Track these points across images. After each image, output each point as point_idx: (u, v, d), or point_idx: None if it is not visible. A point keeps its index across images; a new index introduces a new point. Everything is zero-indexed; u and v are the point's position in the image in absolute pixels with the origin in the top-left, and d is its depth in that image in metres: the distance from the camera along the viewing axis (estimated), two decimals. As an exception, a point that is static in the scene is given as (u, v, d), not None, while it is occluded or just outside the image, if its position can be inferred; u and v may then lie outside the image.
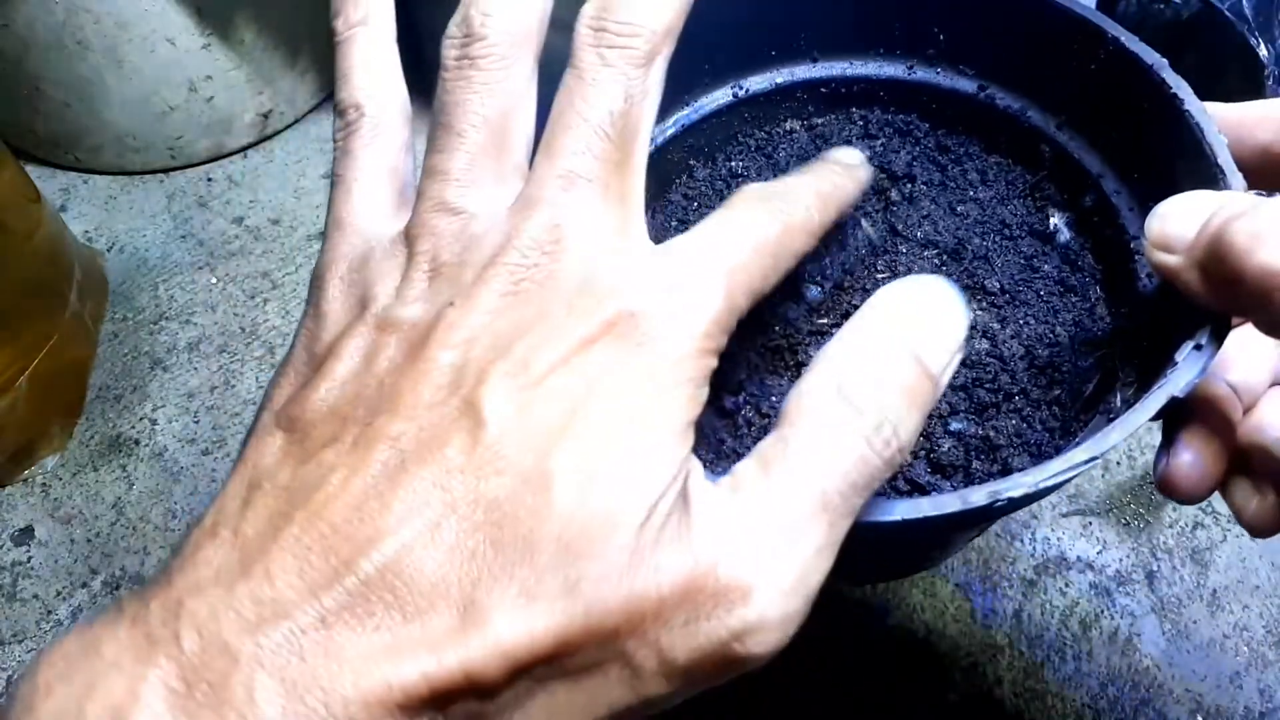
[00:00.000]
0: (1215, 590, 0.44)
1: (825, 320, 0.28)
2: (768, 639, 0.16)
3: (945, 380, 0.18)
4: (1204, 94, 0.56)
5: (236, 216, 0.58)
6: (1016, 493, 0.19)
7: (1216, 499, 0.48)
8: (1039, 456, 0.26)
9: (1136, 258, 0.27)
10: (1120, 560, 0.45)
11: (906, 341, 0.18)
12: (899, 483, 0.26)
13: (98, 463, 0.47)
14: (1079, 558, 0.45)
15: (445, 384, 0.17)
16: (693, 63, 0.29)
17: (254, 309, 0.54)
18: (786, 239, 0.20)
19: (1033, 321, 0.28)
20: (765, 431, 0.19)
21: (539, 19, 0.20)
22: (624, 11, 0.19)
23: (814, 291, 0.29)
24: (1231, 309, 0.20)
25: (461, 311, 0.18)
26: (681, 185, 0.31)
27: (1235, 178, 0.23)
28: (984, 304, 0.29)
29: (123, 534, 0.45)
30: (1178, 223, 0.20)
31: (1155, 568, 0.45)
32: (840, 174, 0.23)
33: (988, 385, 0.27)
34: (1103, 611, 0.44)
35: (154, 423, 0.49)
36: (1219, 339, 0.21)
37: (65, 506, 0.46)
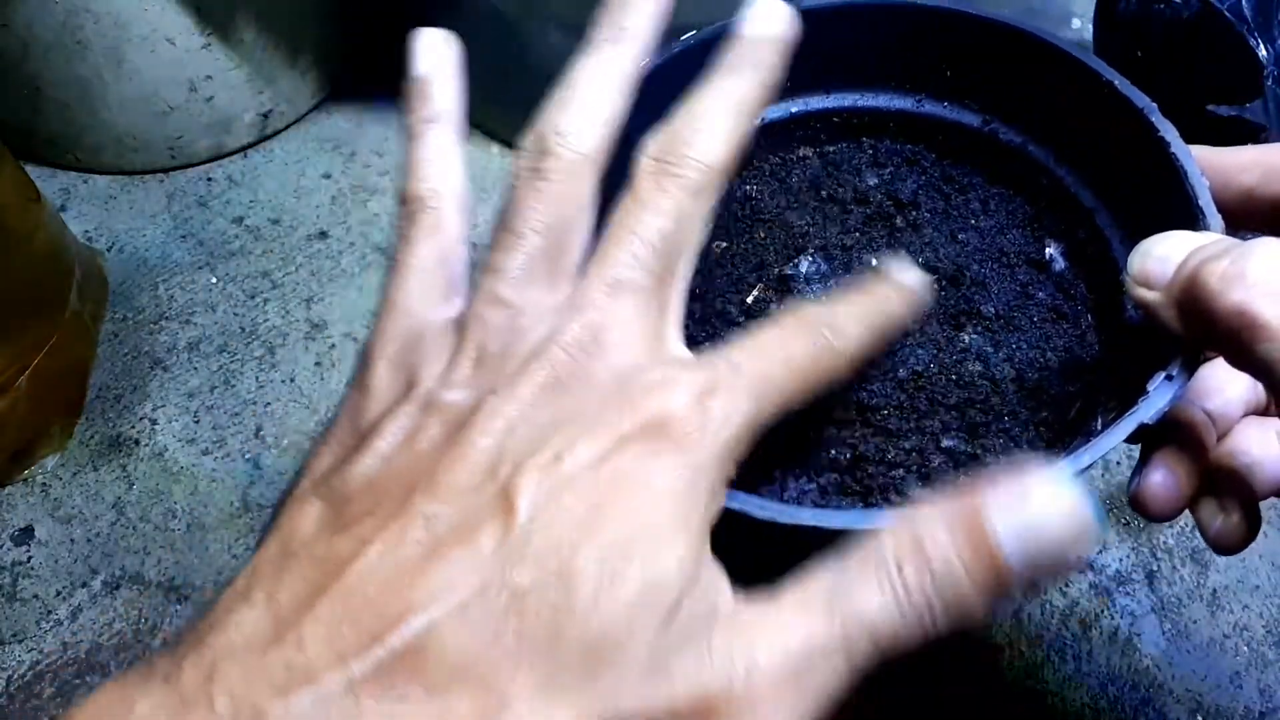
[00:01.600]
0: (1215, 590, 0.44)
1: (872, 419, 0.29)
2: None
3: (1021, 578, 0.18)
4: (1204, 94, 0.56)
5: (236, 216, 0.58)
6: None
7: (1216, 499, 0.47)
8: None
9: (1124, 287, 0.28)
10: (1120, 560, 0.45)
11: (996, 529, 0.18)
12: (892, 496, 0.27)
13: (98, 463, 0.47)
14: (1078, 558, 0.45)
15: (482, 469, 0.18)
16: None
17: (254, 309, 0.54)
18: (824, 366, 0.21)
19: (1025, 346, 0.29)
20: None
21: (606, 142, 0.22)
22: (685, 148, 0.21)
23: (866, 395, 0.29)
24: (1205, 344, 0.21)
25: (502, 400, 0.18)
26: None
27: (1214, 219, 0.24)
28: (979, 328, 0.30)
29: (123, 534, 0.45)
30: (1158, 262, 0.22)
31: (1155, 568, 0.45)
32: (896, 301, 0.23)
33: (979, 405, 0.28)
34: (1103, 611, 0.44)
35: (154, 423, 0.49)
36: (1190, 370, 0.22)
37: (65, 506, 0.46)
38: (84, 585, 0.44)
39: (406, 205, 0.23)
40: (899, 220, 0.32)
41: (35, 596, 0.43)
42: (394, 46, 0.25)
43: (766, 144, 0.33)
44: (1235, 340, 0.19)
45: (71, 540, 0.45)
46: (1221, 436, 0.25)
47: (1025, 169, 0.32)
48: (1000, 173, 0.32)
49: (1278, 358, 0.19)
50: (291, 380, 0.51)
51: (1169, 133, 0.26)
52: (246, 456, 0.48)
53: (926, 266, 0.30)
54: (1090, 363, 0.29)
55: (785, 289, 0.31)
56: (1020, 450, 0.27)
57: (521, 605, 0.16)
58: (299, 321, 0.53)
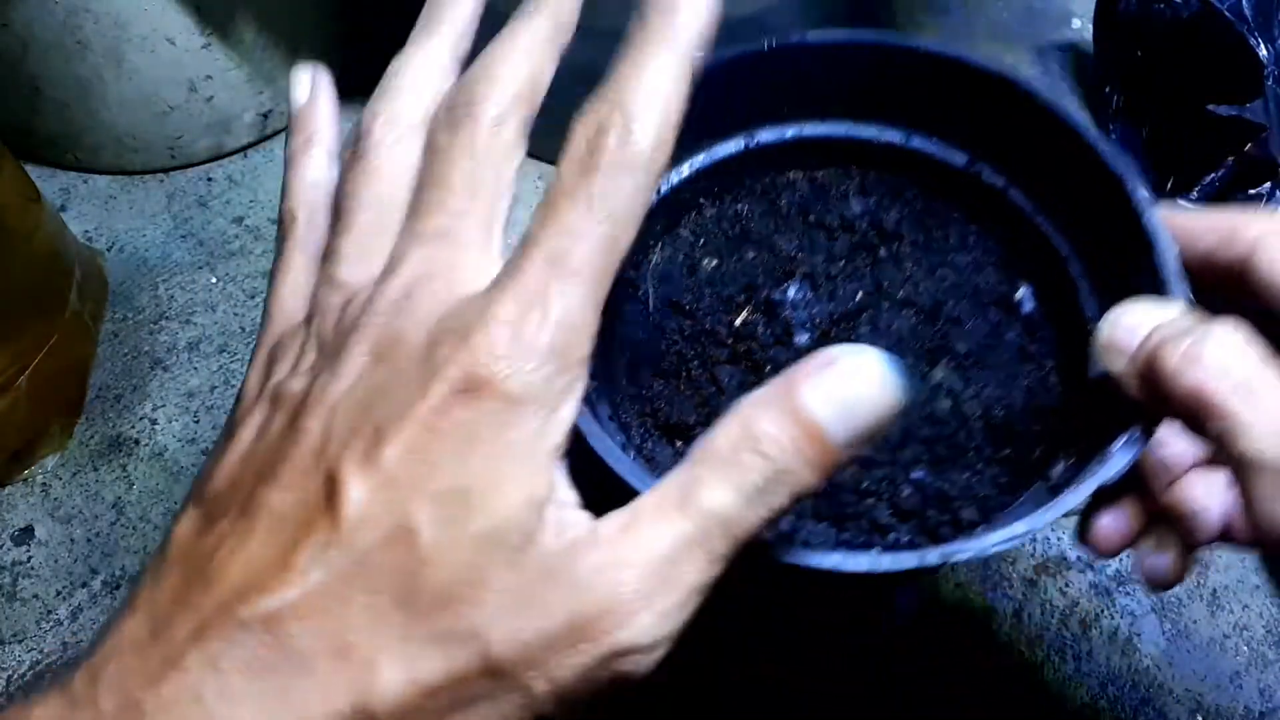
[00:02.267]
0: (1215, 590, 0.44)
1: None
2: (646, 659, 0.18)
3: (849, 445, 0.19)
4: (1204, 94, 0.56)
5: (236, 216, 0.58)
6: (963, 557, 0.22)
7: (1216, 499, 0.47)
8: (985, 509, 0.28)
9: (1090, 337, 0.29)
10: (1120, 560, 0.45)
11: (809, 406, 0.18)
12: (863, 523, 0.28)
13: (98, 463, 0.47)
14: (1079, 558, 0.45)
15: (313, 452, 0.19)
16: (712, 115, 0.31)
17: (254, 309, 0.54)
18: (620, 204, 0.20)
19: (992, 385, 0.30)
20: None
21: (421, 115, 0.22)
22: (474, 92, 0.21)
23: (803, 338, 0.31)
24: (1163, 413, 0.23)
25: (327, 378, 0.19)
26: (690, 222, 0.33)
27: (1180, 286, 0.26)
28: (952, 365, 0.31)
29: (123, 534, 0.45)
30: (1125, 332, 0.23)
31: (1155, 568, 0.45)
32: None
33: (947, 440, 0.29)
34: (1103, 611, 0.44)
35: (154, 423, 0.49)
36: (1149, 435, 0.24)
37: (65, 506, 0.46)
38: (84, 585, 0.44)
39: (282, 223, 0.24)
40: (882, 251, 0.33)
41: (35, 596, 0.43)
42: (394, 47, 0.25)
43: (759, 166, 0.34)
44: (1190, 416, 0.21)
45: (71, 540, 0.45)
46: (1170, 483, 0.27)
47: (1005, 211, 0.32)
48: (980, 212, 0.33)
49: (1225, 435, 0.20)
50: (291, 380, 0.51)
51: (1144, 199, 0.27)
52: (246, 456, 0.48)
53: (905, 300, 0.32)
54: (1052, 405, 0.30)
55: (773, 313, 0.32)
56: (983, 486, 0.29)
57: (365, 569, 0.17)
58: (299, 321, 0.53)
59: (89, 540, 0.45)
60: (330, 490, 0.18)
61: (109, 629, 0.19)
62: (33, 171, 0.58)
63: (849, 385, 0.19)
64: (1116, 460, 0.23)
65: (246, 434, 0.20)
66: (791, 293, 0.32)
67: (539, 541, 0.18)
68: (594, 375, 0.26)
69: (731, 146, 0.33)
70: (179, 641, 0.17)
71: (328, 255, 0.22)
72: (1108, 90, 0.63)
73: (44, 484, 0.47)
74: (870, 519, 0.28)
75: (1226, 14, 0.52)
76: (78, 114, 0.56)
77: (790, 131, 0.33)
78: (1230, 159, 0.51)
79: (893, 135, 0.33)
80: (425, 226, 0.20)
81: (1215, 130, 0.51)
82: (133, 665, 0.18)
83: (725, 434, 0.19)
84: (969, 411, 0.30)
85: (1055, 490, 0.26)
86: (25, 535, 0.45)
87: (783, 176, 0.34)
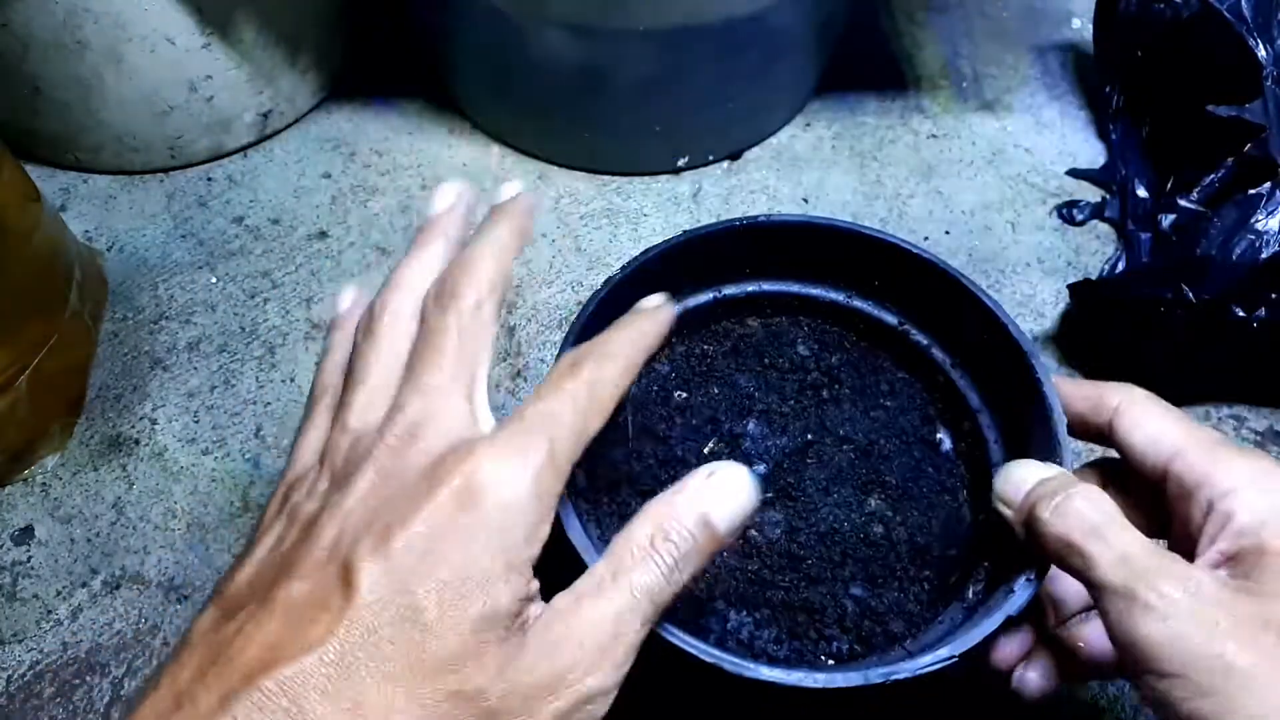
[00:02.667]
0: (1215, 590, 0.44)
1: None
2: (605, 701, 0.23)
3: (730, 534, 0.25)
4: (1204, 94, 0.56)
5: (236, 216, 0.58)
6: (902, 676, 0.27)
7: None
8: (911, 623, 0.33)
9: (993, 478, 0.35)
10: (1120, 560, 0.45)
11: (702, 506, 0.25)
12: (810, 632, 0.33)
13: (98, 462, 0.47)
14: (1079, 557, 0.45)
15: (327, 551, 0.22)
16: (688, 273, 0.38)
17: (254, 309, 0.54)
18: (599, 394, 0.26)
19: (916, 513, 0.36)
20: None
21: (417, 309, 0.28)
22: (457, 283, 0.27)
23: (761, 468, 0.37)
24: (1042, 552, 0.28)
25: (341, 496, 0.24)
26: (664, 357, 0.40)
27: (1066, 448, 0.31)
28: (883, 496, 0.36)
29: (123, 534, 0.45)
30: (1013, 487, 0.29)
31: (1155, 567, 0.45)
32: (647, 321, 0.30)
33: (879, 562, 0.35)
34: (1103, 611, 0.44)
35: (154, 423, 0.49)
36: (1043, 574, 0.29)
37: (65, 506, 0.46)
38: (84, 585, 0.44)
39: (314, 391, 0.29)
40: (825, 393, 0.39)
41: (35, 596, 0.43)
42: (394, 46, 0.25)
43: (724, 313, 0.41)
44: (1058, 556, 0.27)
45: (71, 540, 0.45)
46: (1066, 618, 0.32)
47: (928, 365, 0.39)
48: (907, 362, 0.40)
49: (1082, 569, 0.26)
50: (291, 380, 0.51)
51: (1043, 374, 0.33)
52: (246, 456, 0.48)
53: (844, 438, 0.38)
54: (964, 533, 0.35)
55: (735, 445, 0.37)
56: (909, 602, 0.34)
57: (377, 642, 0.21)
58: (299, 321, 0.53)
59: (89, 540, 0.45)
60: (345, 576, 0.22)
61: (135, 706, 0.21)
62: (33, 171, 0.58)
63: (731, 493, 0.25)
64: (1020, 595, 0.29)
65: (263, 547, 0.24)
66: (750, 427, 0.38)
67: (520, 623, 0.23)
68: (580, 492, 0.34)
69: (702, 298, 0.40)
70: (204, 711, 0.20)
71: (340, 408, 0.27)
72: (1108, 90, 0.63)
73: (44, 484, 0.47)
74: (816, 629, 0.33)
75: (1226, 14, 0.52)
76: (78, 114, 0.56)
77: (750, 287, 0.40)
78: (1230, 159, 0.51)
79: (835, 295, 0.40)
80: (424, 382, 0.25)
81: (1215, 130, 0.51)
82: None
83: (642, 529, 0.24)
84: (896, 537, 0.35)
85: (970, 610, 0.32)
86: (25, 535, 0.45)
87: (742, 323, 0.41)
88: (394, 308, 0.28)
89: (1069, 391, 0.32)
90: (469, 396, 0.26)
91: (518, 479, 0.23)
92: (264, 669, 0.20)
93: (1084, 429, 0.32)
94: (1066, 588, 0.32)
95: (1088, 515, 0.26)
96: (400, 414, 0.25)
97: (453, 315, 0.26)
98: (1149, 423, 0.29)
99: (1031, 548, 0.29)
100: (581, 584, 0.24)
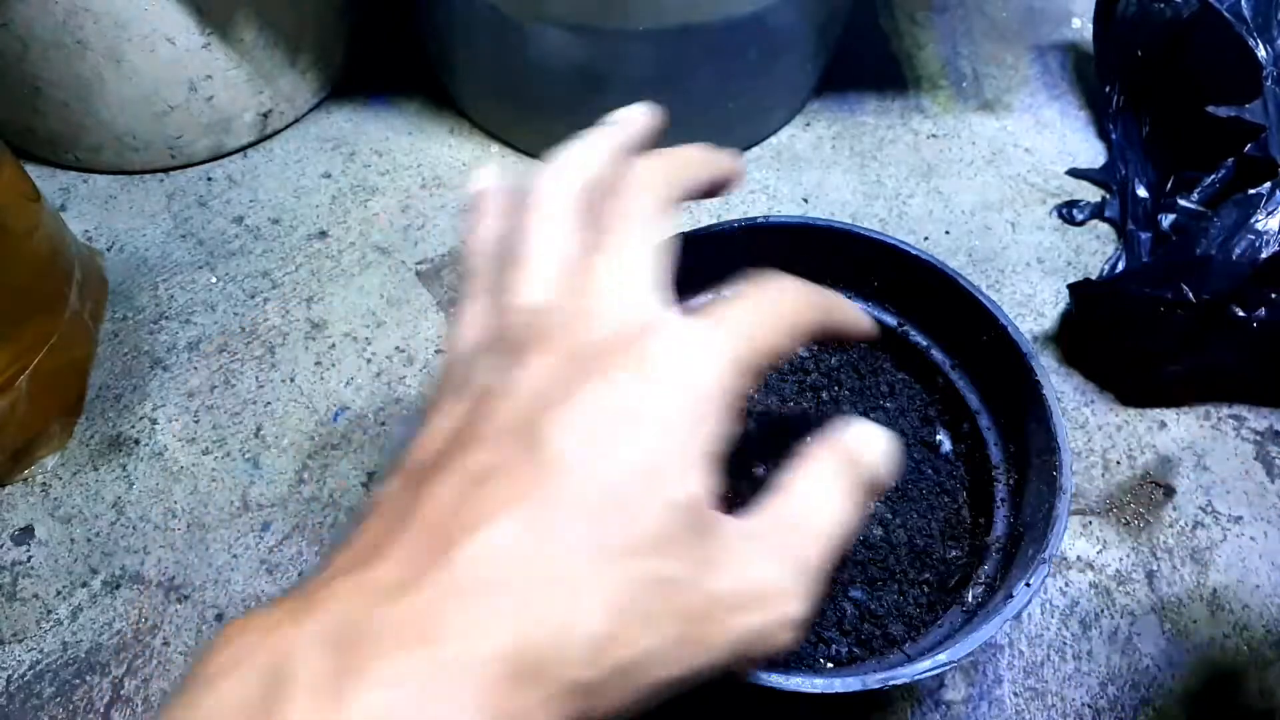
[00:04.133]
0: (1215, 590, 0.44)
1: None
2: (793, 633, 0.21)
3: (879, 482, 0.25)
4: (1204, 94, 0.56)
5: (236, 216, 0.58)
6: (900, 681, 0.27)
7: (1218, 498, 0.48)
8: (911, 626, 0.33)
9: (995, 481, 0.35)
10: (1120, 560, 0.45)
11: (851, 448, 0.25)
12: (809, 634, 0.33)
13: (98, 462, 0.47)
14: (1079, 557, 0.45)
15: (511, 421, 0.21)
16: (690, 273, 0.38)
17: (254, 308, 0.54)
18: (797, 312, 0.25)
19: (915, 515, 0.36)
20: None
21: (584, 182, 0.26)
22: (637, 173, 0.26)
23: (760, 469, 0.36)
24: None
25: (521, 370, 0.22)
26: None
27: (1065, 448, 0.31)
28: (882, 498, 0.36)
29: (123, 534, 0.45)
30: None
31: (1155, 567, 0.45)
32: (844, 309, 0.29)
33: (879, 565, 0.35)
34: (1103, 611, 0.44)
35: (154, 422, 0.49)
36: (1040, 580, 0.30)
37: (65, 506, 0.46)
38: (84, 585, 0.43)
39: (467, 268, 0.27)
40: (825, 395, 0.39)
41: (35, 596, 0.43)
42: (394, 46, 0.25)
43: None
44: None
45: (71, 540, 0.45)
46: None
47: (927, 367, 0.39)
48: (907, 363, 0.39)
49: None
50: (291, 380, 0.51)
51: (1043, 374, 0.33)
52: (246, 456, 0.48)
53: None
54: (963, 535, 0.35)
55: (739, 444, 0.36)
56: (908, 605, 0.34)
57: (567, 513, 0.19)
58: (299, 321, 0.53)
59: (89, 540, 0.45)
60: (531, 444, 0.20)
61: (321, 566, 0.20)
62: (33, 171, 0.58)
63: (886, 447, 0.25)
64: (1019, 600, 0.29)
65: (439, 423, 0.23)
66: (750, 428, 0.37)
67: (716, 522, 0.21)
68: None
69: (702, 300, 0.39)
70: (396, 571, 0.19)
71: (504, 287, 0.25)
72: (1108, 90, 0.63)
73: (44, 484, 0.47)
74: (815, 631, 0.33)
75: (1226, 14, 0.52)
76: (78, 114, 0.56)
77: None
78: (1230, 159, 0.51)
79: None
80: (611, 256, 0.24)
81: (1215, 130, 0.51)
82: (352, 588, 0.19)
83: (808, 469, 0.24)
84: (896, 539, 0.35)
85: (970, 614, 0.32)
86: (25, 535, 0.45)
87: None
88: (563, 185, 0.26)
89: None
90: (653, 277, 0.24)
91: (709, 370, 0.22)
92: (456, 540, 0.19)
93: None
94: None
95: None
96: (581, 289, 0.23)
97: (636, 195, 0.25)
98: None
99: None
100: (759, 508, 0.23)
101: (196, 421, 0.49)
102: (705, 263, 0.39)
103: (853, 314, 0.28)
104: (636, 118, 0.29)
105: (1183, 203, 0.53)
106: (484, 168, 0.30)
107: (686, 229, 0.38)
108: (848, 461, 0.24)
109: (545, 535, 0.19)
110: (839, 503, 0.23)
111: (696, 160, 0.28)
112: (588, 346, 0.22)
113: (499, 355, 0.23)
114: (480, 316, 0.25)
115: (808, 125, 0.65)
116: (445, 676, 0.17)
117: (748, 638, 0.21)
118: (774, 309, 0.24)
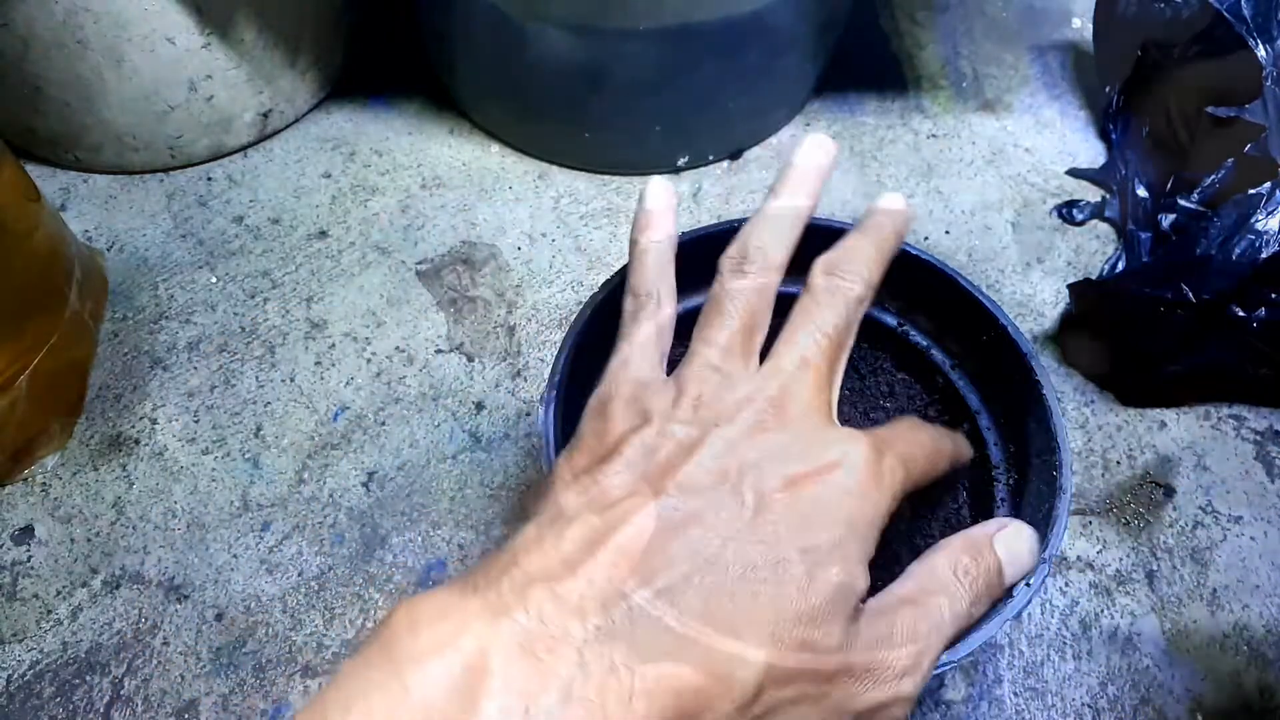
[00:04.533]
0: (1215, 590, 0.44)
1: None
2: (907, 709, 0.24)
3: (1011, 583, 0.27)
4: (1204, 94, 0.56)
5: (236, 216, 0.58)
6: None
7: (1218, 498, 0.48)
8: None
9: (995, 481, 0.36)
10: (1120, 560, 0.45)
11: (994, 558, 0.27)
12: None
13: (98, 462, 0.47)
14: (1079, 557, 0.45)
15: (713, 474, 0.24)
16: (692, 273, 0.38)
17: (254, 308, 0.54)
18: (939, 457, 0.28)
19: (915, 516, 0.35)
20: None
21: (788, 255, 0.29)
22: (850, 264, 0.28)
23: None
24: None
25: (723, 429, 0.25)
26: (671, 352, 0.42)
27: (1065, 448, 0.32)
28: None
29: (123, 533, 0.45)
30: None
31: (1155, 567, 0.45)
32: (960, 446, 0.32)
33: (878, 565, 0.36)
34: (1103, 611, 0.44)
35: (154, 422, 0.49)
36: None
37: (65, 506, 0.46)
38: (84, 585, 0.43)
39: (636, 297, 0.30)
40: None
41: (35, 596, 0.43)
42: (394, 46, 0.25)
43: None
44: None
45: (71, 540, 0.45)
46: None
47: (927, 367, 0.39)
48: (907, 363, 0.40)
49: None
50: (291, 379, 0.51)
51: (1043, 374, 0.34)
52: (246, 456, 0.48)
53: None
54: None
55: None
56: None
57: (756, 573, 0.22)
58: (299, 321, 0.53)
59: (89, 540, 0.45)
60: (735, 502, 0.23)
61: (516, 553, 0.23)
62: (33, 171, 0.58)
63: (1019, 545, 0.27)
64: (1018, 600, 0.29)
65: (632, 451, 0.25)
66: None
67: (859, 609, 0.24)
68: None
69: (701, 300, 0.41)
70: (599, 587, 0.21)
71: (704, 341, 0.27)
72: (1108, 90, 0.63)
73: (44, 483, 0.47)
74: None
75: (1226, 14, 0.52)
76: (78, 113, 0.56)
77: None
78: (1230, 159, 0.51)
79: None
80: (805, 355, 0.26)
81: (1215, 130, 0.51)
82: (553, 594, 0.21)
83: (945, 560, 0.26)
84: (896, 540, 0.34)
85: None
86: (25, 535, 0.45)
87: None
88: (769, 256, 0.28)
89: None
90: (831, 387, 0.27)
91: (882, 494, 0.25)
92: (656, 572, 0.22)
93: None
94: None
95: None
96: (778, 377, 0.26)
97: (842, 294, 0.28)
98: None
99: None
100: (892, 593, 0.25)
101: (196, 421, 0.49)
102: (707, 263, 0.39)
103: (964, 453, 0.31)
104: (820, 159, 0.31)
105: (1183, 203, 0.53)
106: (657, 182, 0.32)
107: (687, 229, 0.38)
108: (992, 571, 0.26)
109: (718, 591, 0.22)
110: (966, 608, 0.25)
111: (897, 228, 0.31)
112: (783, 431, 0.25)
113: (691, 402, 0.26)
114: (650, 346, 0.29)
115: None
116: (615, 700, 0.20)
117: (872, 708, 0.23)
118: (929, 460, 0.27)
